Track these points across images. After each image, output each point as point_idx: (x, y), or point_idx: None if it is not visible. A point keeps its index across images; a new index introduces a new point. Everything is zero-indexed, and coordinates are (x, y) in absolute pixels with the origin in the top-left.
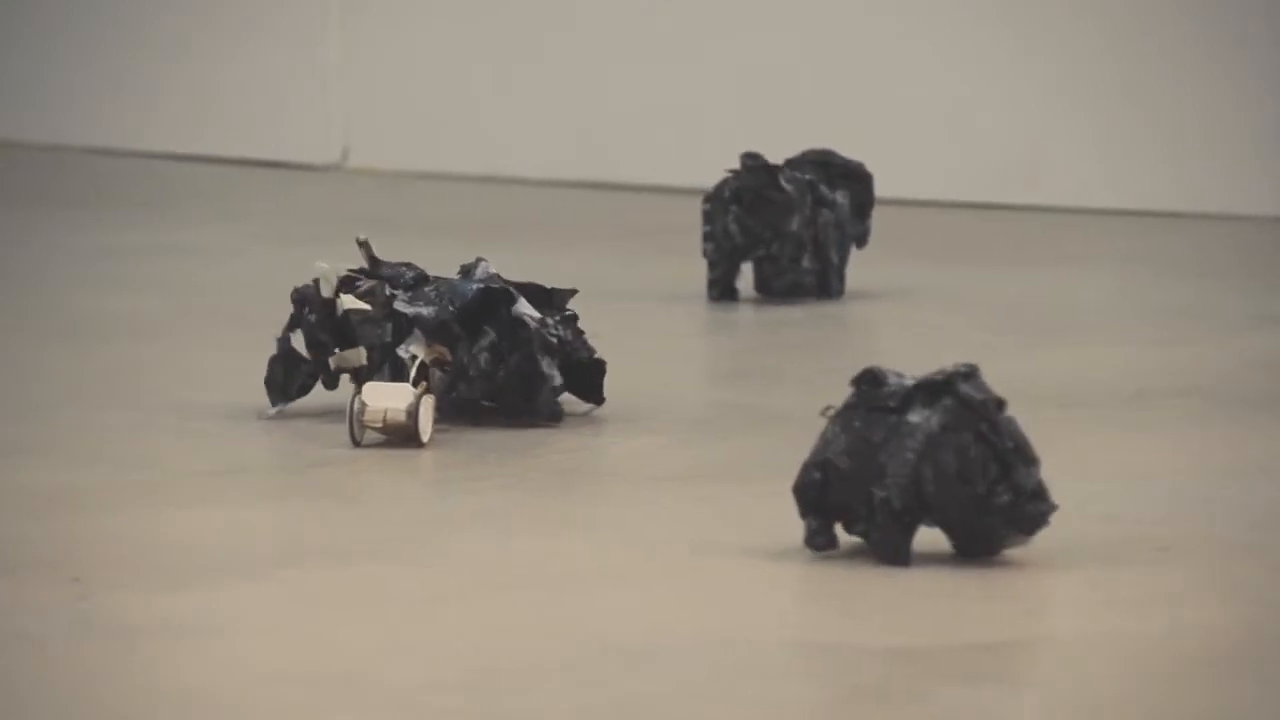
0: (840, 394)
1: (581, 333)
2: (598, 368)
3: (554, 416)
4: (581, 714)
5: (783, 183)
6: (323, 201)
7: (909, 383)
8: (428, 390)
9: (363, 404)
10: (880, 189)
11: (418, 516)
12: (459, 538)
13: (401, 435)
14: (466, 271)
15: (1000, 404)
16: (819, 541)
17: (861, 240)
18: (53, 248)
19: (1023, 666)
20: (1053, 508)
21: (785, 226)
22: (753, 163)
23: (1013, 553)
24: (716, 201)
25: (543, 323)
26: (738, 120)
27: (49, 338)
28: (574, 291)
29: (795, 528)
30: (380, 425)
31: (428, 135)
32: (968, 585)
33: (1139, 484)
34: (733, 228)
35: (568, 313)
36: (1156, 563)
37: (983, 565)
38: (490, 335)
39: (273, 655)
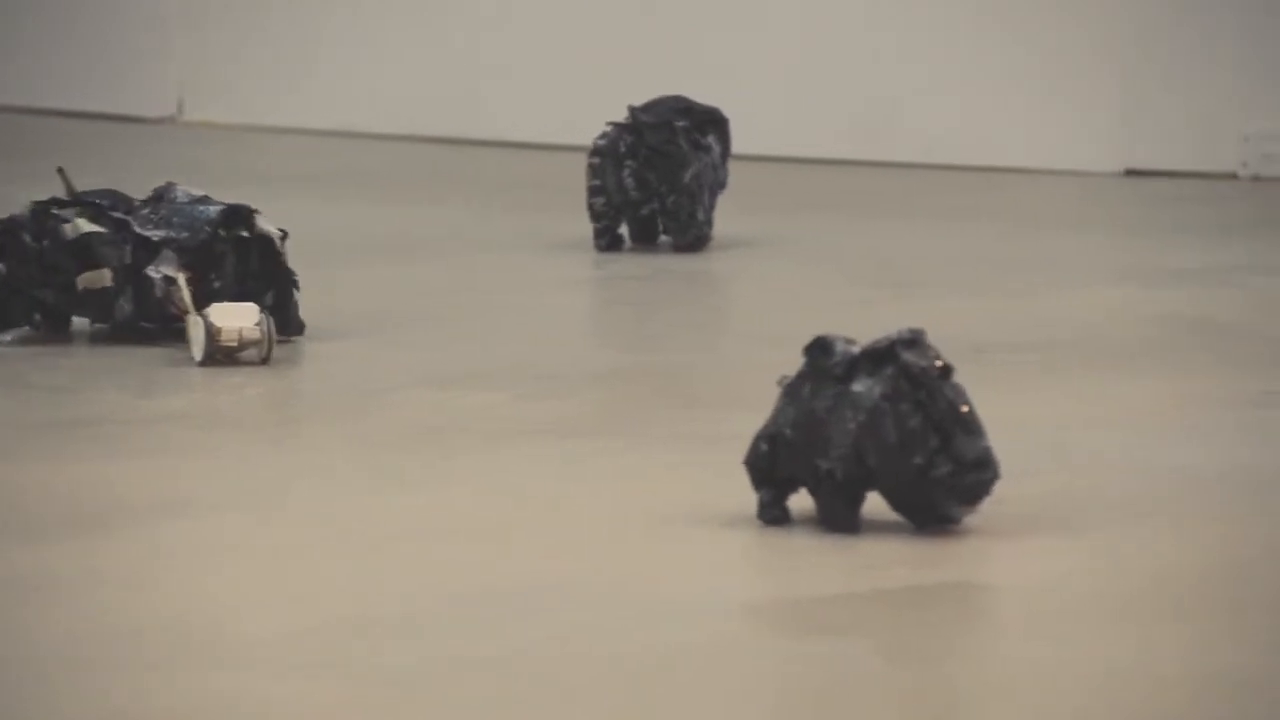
0: (702, 349)
1: None
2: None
3: (300, 329)
4: (441, 664)
5: (679, 138)
6: (159, 155)
7: (855, 351)
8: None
9: (216, 327)
10: (734, 144)
11: (269, 471)
12: (313, 492)
13: (249, 350)
14: (159, 196)
15: (946, 371)
16: (771, 514)
17: (723, 184)
18: None
19: (862, 619)
20: (995, 477)
21: (680, 180)
22: (645, 117)
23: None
24: (609, 156)
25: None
26: (587, 74)
27: None
28: (259, 211)
29: (651, 481)
30: (236, 343)
31: (269, 88)
32: (822, 541)
33: (998, 435)
34: (628, 182)
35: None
36: (1016, 515)
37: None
38: (230, 256)
39: (132, 608)
